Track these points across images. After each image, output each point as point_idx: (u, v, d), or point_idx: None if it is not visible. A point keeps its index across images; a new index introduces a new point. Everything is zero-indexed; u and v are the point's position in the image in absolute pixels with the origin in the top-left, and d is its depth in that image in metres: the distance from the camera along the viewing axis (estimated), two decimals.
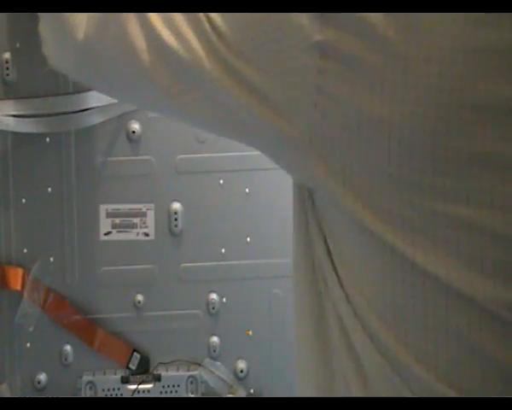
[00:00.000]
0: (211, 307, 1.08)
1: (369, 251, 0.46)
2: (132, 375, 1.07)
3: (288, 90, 0.46)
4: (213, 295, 1.08)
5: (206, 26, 0.49)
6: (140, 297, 1.07)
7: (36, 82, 1.02)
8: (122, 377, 1.06)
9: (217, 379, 1.08)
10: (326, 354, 0.52)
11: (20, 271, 1.04)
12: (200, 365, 1.08)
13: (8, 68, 1.02)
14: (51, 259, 1.05)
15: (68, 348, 1.06)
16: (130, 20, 0.53)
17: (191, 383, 1.08)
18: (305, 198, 0.52)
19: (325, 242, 0.50)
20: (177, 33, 0.50)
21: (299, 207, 0.54)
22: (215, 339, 1.08)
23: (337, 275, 0.49)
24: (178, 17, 0.51)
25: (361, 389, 0.49)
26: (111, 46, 0.56)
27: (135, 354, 1.07)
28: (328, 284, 0.50)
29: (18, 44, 1.02)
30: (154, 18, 0.52)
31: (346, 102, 0.44)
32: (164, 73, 0.52)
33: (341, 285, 0.49)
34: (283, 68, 0.46)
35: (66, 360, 1.06)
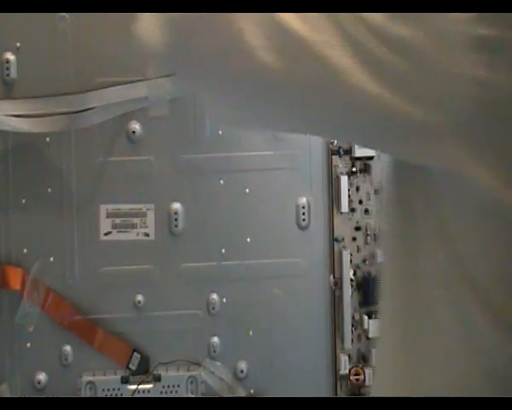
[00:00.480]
0: (211, 307, 1.08)
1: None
2: (132, 375, 1.07)
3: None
4: (213, 295, 1.08)
5: None
6: (140, 297, 1.07)
7: (36, 82, 1.02)
8: (122, 377, 1.06)
9: (217, 379, 1.08)
10: None
11: (20, 271, 1.04)
12: (200, 365, 1.08)
13: (8, 68, 1.02)
14: (51, 259, 1.05)
15: (68, 348, 1.06)
16: None
17: (191, 383, 1.07)
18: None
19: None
20: None
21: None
22: (215, 339, 1.08)
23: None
24: None
25: None
26: None
27: (135, 354, 1.07)
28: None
29: (18, 44, 1.02)
30: None
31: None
32: None
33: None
34: None
35: (66, 360, 1.06)
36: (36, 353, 1.06)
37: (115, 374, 1.07)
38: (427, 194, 0.51)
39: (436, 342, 0.50)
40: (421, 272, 0.52)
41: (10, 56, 1.02)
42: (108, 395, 1.06)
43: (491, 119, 0.44)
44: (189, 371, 1.08)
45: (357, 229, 1.10)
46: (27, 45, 1.02)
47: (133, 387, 1.06)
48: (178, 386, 1.07)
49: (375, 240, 1.10)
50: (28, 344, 1.05)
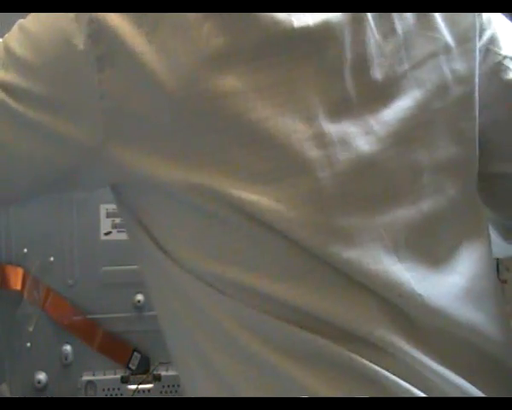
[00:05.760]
0: None
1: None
2: (132, 375, 1.07)
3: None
4: None
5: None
6: (140, 297, 1.07)
7: None
8: (122, 377, 1.06)
9: None
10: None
11: (20, 270, 1.04)
12: None
13: None
14: (51, 259, 1.05)
15: (68, 348, 1.06)
16: None
17: None
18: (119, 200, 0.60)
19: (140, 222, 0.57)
20: None
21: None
22: None
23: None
24: None
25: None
26: None
27: (135, 353, 1.07)
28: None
29: None
30: None
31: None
32: None
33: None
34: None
35: (66, 359, 1.06)
36: (36, 353, 1.06)
37: (115, 374, 1.07)
38: None
39: None
40: None
41: None
42: (108, 395, 1.06)
43: None
44: None
45: None
46: None
47: (133, 387, 1.06)
48: (178, 386, 1.07)
49: None
50: (28, 344, 1.05)
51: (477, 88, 0.61)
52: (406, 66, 0.57)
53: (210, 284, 0.54)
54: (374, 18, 0.56)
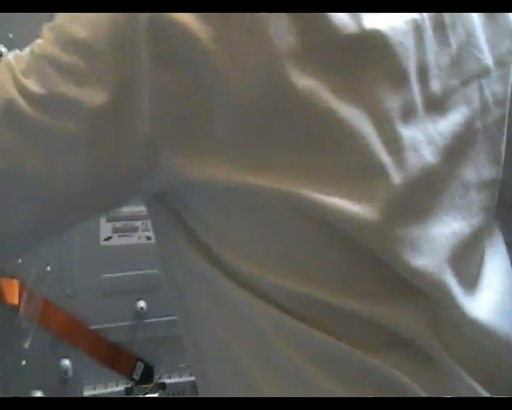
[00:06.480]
0: None
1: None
2: (136, 385, 1.02)
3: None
4: None
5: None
6: (142, 304, 1.02)
7: None
8: (126, 389, 1.01)
9: None
10: None
11: (15, 283, 0.95)
12: None
13: None
14: (48, 268, 0.97)
15: (67, 362, 0.99)
16: None
17: (195, 387, 1.04)
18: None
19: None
20: None
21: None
22: None
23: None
24: None
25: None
26: None
27: (138, 363, 1.02)
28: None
29: (11, 35, 0.93)
30: None
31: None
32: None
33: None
34: None
35: (65, 375, 0.99)
36: (32, 369, 0.98)
37: (117, 386, 1.02)
38: None
39: None
40: None
41: (2, 49, 0.92)
42: None
43: None
44: (191, 375, 1.05)
45: None
46: (22, 36, 0.93)
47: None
48: (183, 392, 1.04)
49: None
50: (24, 362, 0.97)
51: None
52: (458, 81, 0.58)
53: (262, 295, 0.53)
54: (432, 28, 0.57)
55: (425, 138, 0.55)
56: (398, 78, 0.54)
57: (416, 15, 0.55)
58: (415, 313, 0.54)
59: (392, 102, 0.53)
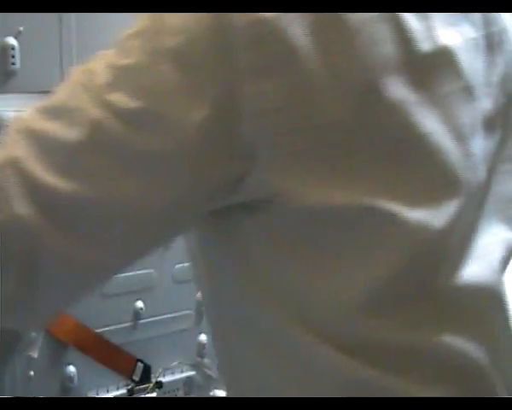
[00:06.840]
0: (199, 305, 1.07)
1: None
2: (136, 386, 1.01)
3: None
4: None
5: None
6: (141, 304, 1.02)
7: (40, 73, 0.90)
8: (128, 391, 1.00)
9: (206, 376, 1.09)
10: None
11: None
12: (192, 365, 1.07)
13: (13, 56, 0.87)
14: None
15: (72, 368, 0.96)
16: None
17: (189, 384, 1.06)
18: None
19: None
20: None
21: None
22: (203, 337, 1.09)
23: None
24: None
25: None
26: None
27: (138, 363, 1.01)
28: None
29: (21, 28, 0.88)
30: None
31: None
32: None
33: None
34: None
35: (71, 382, 0.96)
36: (38, 379, 0.93)
37: (117, 389, 1.00)
38: None
39: None
40: None
41: (13, 41, 0.88)
42: None
43: None
44: (182, 372, 1.06)
45: None
46: (32, 29, 0.89)
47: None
48: (178, 390, 1.05)
49: None
50: (31, 372, 0.92)
51: None
52: (505, 99, 0.58)
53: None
54: (485, 47, 0.57)
55: (481, 155, 0.55)
56: (469, 94, 0.54)
57: (473, 34, 0.55)
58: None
59: (464, 119, 0.53)
